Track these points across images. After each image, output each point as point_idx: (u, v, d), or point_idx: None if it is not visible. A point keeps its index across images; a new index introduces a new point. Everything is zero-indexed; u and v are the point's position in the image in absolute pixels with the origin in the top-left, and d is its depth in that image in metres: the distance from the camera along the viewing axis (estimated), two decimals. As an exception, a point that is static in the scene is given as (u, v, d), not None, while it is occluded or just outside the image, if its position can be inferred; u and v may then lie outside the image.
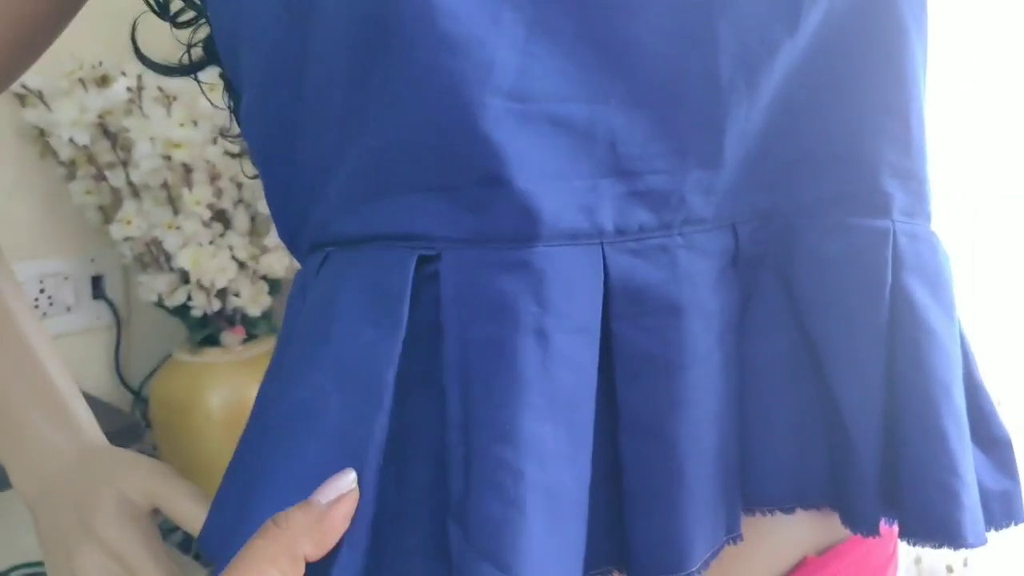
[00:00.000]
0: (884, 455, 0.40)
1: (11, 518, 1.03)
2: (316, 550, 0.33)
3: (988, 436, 0.45)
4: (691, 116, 0.36)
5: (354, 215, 0.37)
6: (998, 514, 0.43)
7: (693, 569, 0.38)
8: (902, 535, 0.41)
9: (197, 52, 0.51)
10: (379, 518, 0.35)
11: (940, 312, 0.41)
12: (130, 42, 0.51)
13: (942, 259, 0.43)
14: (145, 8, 0.50)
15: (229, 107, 0.53)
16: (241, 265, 1.12)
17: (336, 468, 0.34)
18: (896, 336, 0.40)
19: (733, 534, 0.41)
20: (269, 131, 0.39)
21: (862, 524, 0.42)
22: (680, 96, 0.36)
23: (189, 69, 0.51)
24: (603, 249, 0.36)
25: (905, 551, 1.18)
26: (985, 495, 0.42)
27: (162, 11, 0.49)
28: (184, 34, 0.51)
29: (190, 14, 0.50)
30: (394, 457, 0.35)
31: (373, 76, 0.34)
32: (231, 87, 0.49)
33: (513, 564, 0.33)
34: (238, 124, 0.53)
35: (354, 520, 0.34)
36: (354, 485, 0.34)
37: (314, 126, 0.37)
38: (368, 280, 0.36)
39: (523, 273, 0.34)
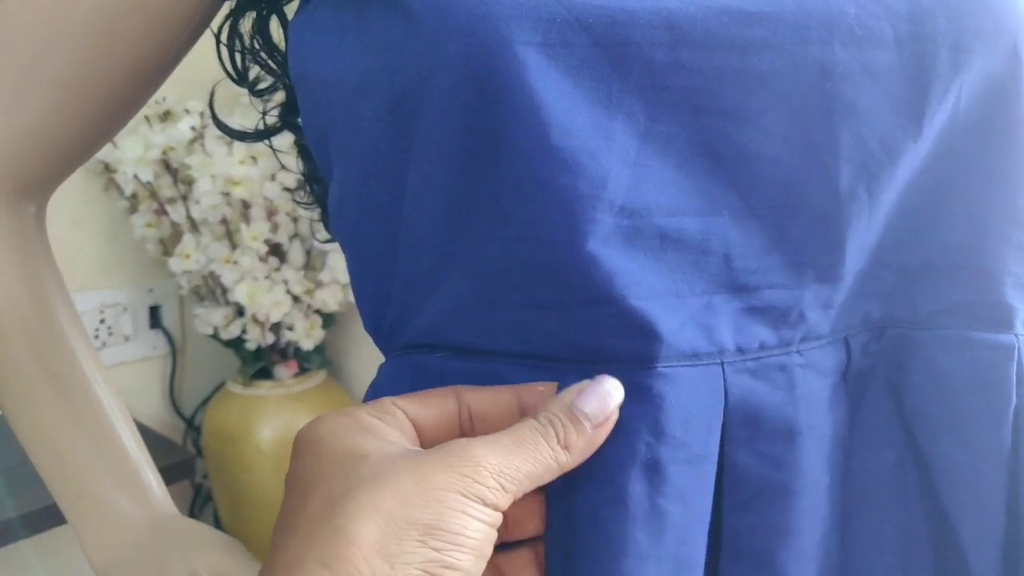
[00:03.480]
0: None
1: (65, 553, 1.05)
2: (572, 457, 0.31)
3: None
4: (809, 227, 0.35)
5: (470, 326, 0.36)
6: None
7: None
8: None
9: (271, 117, 0.51)
10: None
11: None
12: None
13: None
14: (223, 73, 0.50)
15: (302, 173, 0.54)
16: (295, 299, 1.14)
17: None
18: (1020, 459, 0.37)
19: None
20: (364, 226, 0.38)
21: None
22: (798, 206, 0.34)
23: (264, 135, 0.51)
24: (723, 369, 0.34)
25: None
26: None
27: (241, 79, 0.50)
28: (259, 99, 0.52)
29: (267, 81, 0.50)
30: None
31: (480, 187, 0.33)
32: (308, 159, 0.49)
33: None
34: (320, 208, 0.53)
35: None
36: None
37: (417, 229, 0.36)
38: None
39: (641, 398, 0.33)
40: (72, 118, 0.46)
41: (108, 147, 1.05)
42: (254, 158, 1.06)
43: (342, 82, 0.36)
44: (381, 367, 0.40)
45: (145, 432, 1.11)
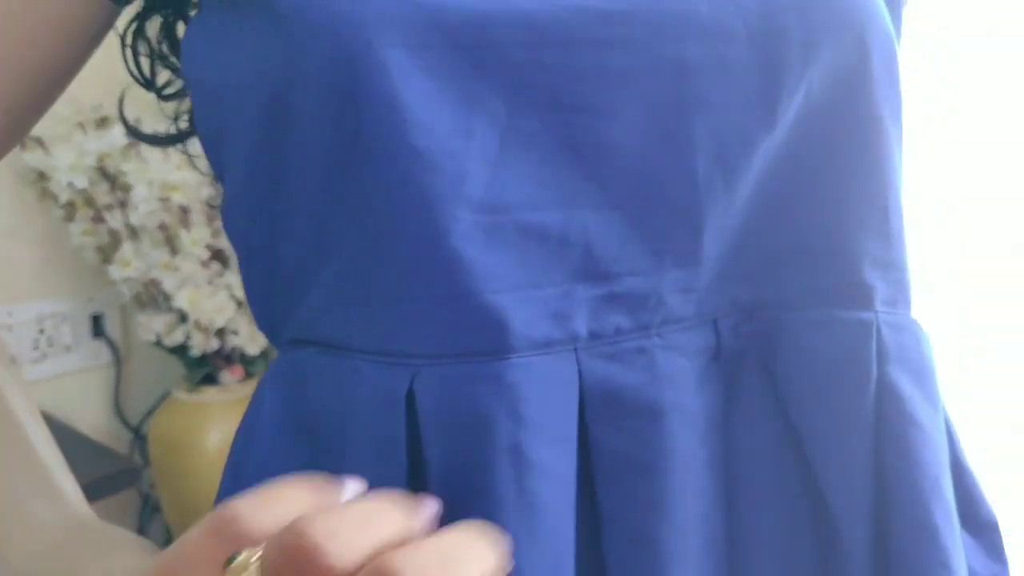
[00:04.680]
0: (875, 550, 0.40)
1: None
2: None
3: (977, 520, 0.44)
4: (668, 216, 0.36)
5: (337, 321, 0.37)
6: None
7: None
8: None
9: (185, 121, 0.51)
10: None
11: (926, 403, 0.40)
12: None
13: (925, 348, 0.42)
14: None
15: (215, 178, 0.54)
16: (239, 304, 1.13)
17: None
18: (883, 430, 0.39)
19: None
20: (250, 226, 0.39)
21: None
22: (657, 196, 0.36)
23: (177, 139, 0.51)
24: (577, 355, 0.36)
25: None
26: None
27: (148, 84, 0.49)
28: (171, 104, 0.52)
29: (177, 84, 0.50)
30: None
31: (346, 186, 0.34)
32: (216, 172, 0.50)
33: None
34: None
35: None
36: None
37: (294, 227, 0.37)
38: (364, 415, 0.36)
39: (497, 387, 0.34)
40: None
41: (41, 155, 1.03)
42: (193, 165, 1.05)
43: (227, 86, 0.37)
44: (270, 364, 0.41)
45: (88, 443, 1.10)
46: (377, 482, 0.35)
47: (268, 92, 0.35)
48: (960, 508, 0.42)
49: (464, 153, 0.33)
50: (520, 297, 0.35)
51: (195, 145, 0.54)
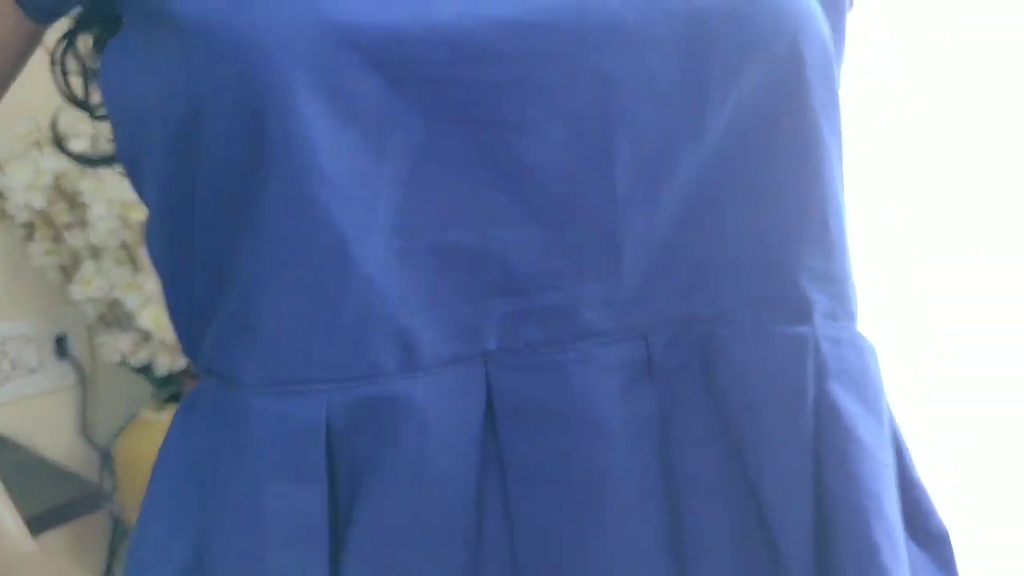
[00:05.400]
0: (817, 568, 0.39)
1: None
2: None
3: (927, 532, 0.43)
4: (586, 230, 0.36)
5: (227, 354, 0.36)
6: None
7: None
8: None
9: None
10: None
11: (868, 418, 0.40)
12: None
13: (869, 360, 0.41)
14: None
15: None
16: (205, 321, 1.11)
17: None
18: (823, 447, 0.39)
19: None
20: (168, 252, 0.39)
21: None
22: (575, 211, 0.35)
23: (111, 159, 0.50)
24: (486, 368, 0.36)
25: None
26: None
27: (79, 103, 0.48)
28: (106, 125, 0.50)
29: None
30: None
31: (252, 212, 0.33)
32: (138, 194, 0.49)
33: None
34: None
35: None
36: None
37: (205, 256, 0.36)
38: (277, 447, 0.35)
39: (404, 404, 0.34)
40: None
41: (-3, 174, 1.02)
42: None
43: (139, 109, 0.36)
44: (191, 391, 0.41)
45: (55, 468, 1.08)
46: (299, 500, 0.35)
47: (175, 117, 0.34)
48: (909, 520, 0.41)
49: (376, 176, 0.32)
50: (431, 317, 0.35)
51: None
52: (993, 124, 0.97)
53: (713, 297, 0.39)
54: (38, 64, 0.48)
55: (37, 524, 0.52)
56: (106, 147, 0.50)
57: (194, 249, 0.37)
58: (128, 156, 0.39)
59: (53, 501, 0.96)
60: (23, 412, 1.15)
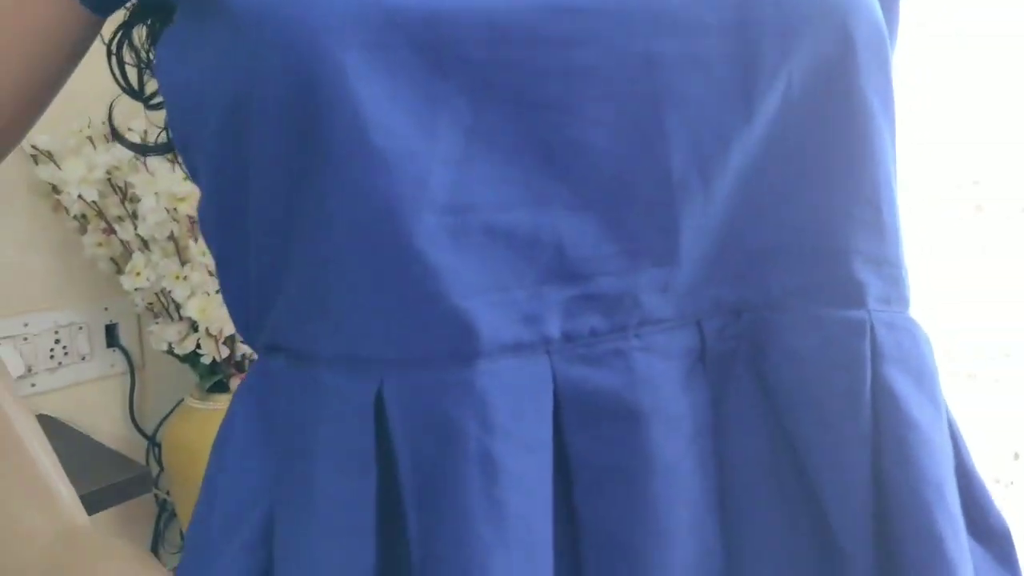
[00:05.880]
0: (878, 561, 0.38)
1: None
2: None
3: (986, 528, 0.42)
4: (643, 215, 0.35)
5: (300, 329, 0.36)
6: None
7: None
8: None
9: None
10: None
11: (926, 404, 0.38)
12: (136, 102, 0.52)
13: (924, 346, 0.40)
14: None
15: None
16: (248, 312, 1.14)
17: None
18: (881, 434, 0.37)
19: None
20: (222, 235, 0.39)
21: None
22: (630, 195, 0.35)
23: (164, 148, 0.52)
24: (550, 359, 0.35)
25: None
26: None
27: (135, 93, 0.50)
28: (161, 114, 0.53)
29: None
30: None
31: (306, 190, 0.34)
32: (191, 178, 0.50)
33: None
34: None
35: None
36: None
37: (261, 237, 0.37)
38: (334, 429, 0.35)
39: (465, 394, 0.33)
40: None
41: (52, 168, 1.06)
42: (200, 174, 1.07)
43: (192, 95, 0.37)
44: (250, 368, 0.41)
45: (104, 450, 1.12)
46: (348, 494, 0.35)
47: (228, 102, 0.35)
48: (968, 516, 0.40)
49: (427, 154, 0.32)
50: (488, 300, 0.34)
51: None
52: (1000, 121, 0.96)
53: (765, 283, 0.38)
54: (90, 62, 0.50)
55: (88, 504, 0.54)
56: (158, 138, 0.53)
57: (249, 230, 0.37)
58: (182, 141, 0.40)
59: (103, 482, 0.99)
60: (75, 398, 1.19)
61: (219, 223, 0.39)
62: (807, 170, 0.38)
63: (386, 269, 0.33)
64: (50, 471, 0.52)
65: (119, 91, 0.52)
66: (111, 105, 0.54)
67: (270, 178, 0.35)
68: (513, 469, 0.33)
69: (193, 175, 0.41)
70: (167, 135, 0.52)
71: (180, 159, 0.43)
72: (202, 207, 0.41)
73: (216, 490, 0.40)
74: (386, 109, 0.32)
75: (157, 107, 0.51)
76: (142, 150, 0.53)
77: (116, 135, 0.53)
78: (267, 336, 0.39)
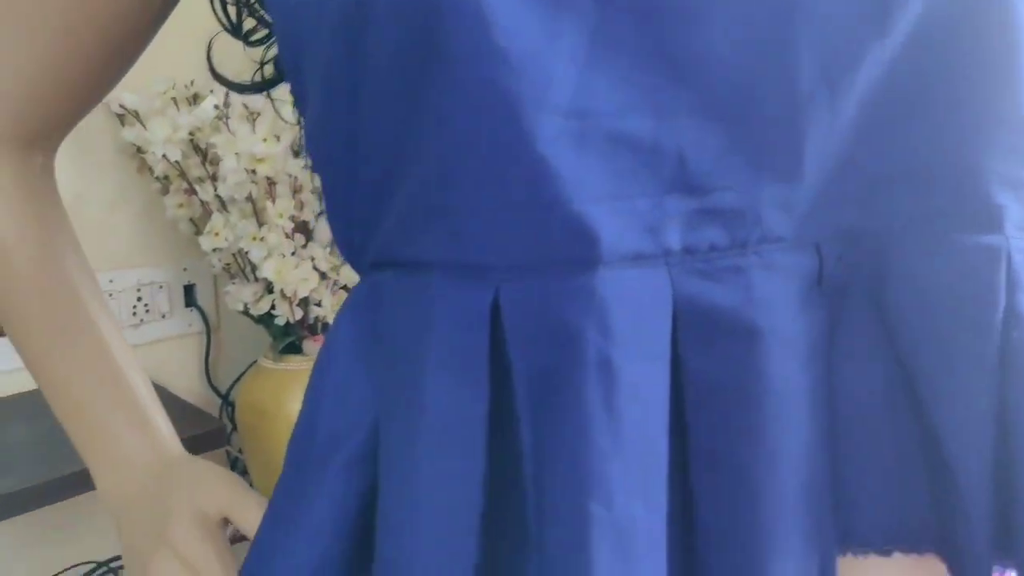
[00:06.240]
0: (997, 497, 0.36)
1: (74, 521, 1.09)
2: None
3: None
4: (768, 128, 0.34)
5: (414, 239, 0.36)
6: None
7: None
8: None
9: (270, 69, 0.53)
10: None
11: None
12: (219, 61, 0.53)
13: None
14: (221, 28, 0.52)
15: (299, 123, 0.55)
16: (322, 275, 1.16)
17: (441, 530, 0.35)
18: (1010, 368, 0.35)
19: None
20: (330, 147, 0.39)
21: (969, 572, 0.37)
22: (756, 107, 0.33)
23: (262, 87, 0.53)
24: (669, 270, 0.34)
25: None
26: None
27: (235, 31, 0.51)
28: (257, 52, 0.53)
29: (262, 32, 0.51)
30: (494, 502, 0.35)
31: (426, 93, 0.33)
32: (298, 103, 0.51)
33: None
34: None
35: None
36: None
37: (372, 143, 0.36)
38: (446, 336, 0.35)
39: (585, 300, 0.33)
40: (69, 66, 0.48)
41: (139, 129, 1.09)
42: (277, 137, 1.08)
43: (305, 4, 0.36)
44: (353, 288, 0.41)
45: (181, 403, 1.15)
46: (456, 401, 0.34)
47: (343, 4, 0.34)
48: None
49: (551, 55, 0.31)
50: (610, 207, 0.33)
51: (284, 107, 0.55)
52: None
53: (889, 208, 0.36)
54: (174, 25, 0.52)
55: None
56: (254, 76, 0.54)
57: (359, 142, 0.36)
58: (293, 62, 0.39)
59: (181, 433, 1.03)
60: (154, 354, 1.23)
61: (328, 142, 0.39)
62: (945, 88, 0.35)
63: (506, 172, 0.33)
64: (148, 402, 0.53)
65: (206, 45, 0.53)
66: (209, 44, 0.55)
67: (388, 79, 0.34)
68: (632, 379, 0.33)
69: (301, 100, 0.41)
70: (262, 75, 0.53)
71: (288, 86, 0.42)
72: (309, 131, 0.40)
73: (319, 407, 0.39)
74: (510, 8, 0.31)
75: (255, 44, 0.52)
76: (239, 88, 0.54)
77: (215, 74, 0.54)
78: (374, 253, 0.39)
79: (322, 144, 0.39)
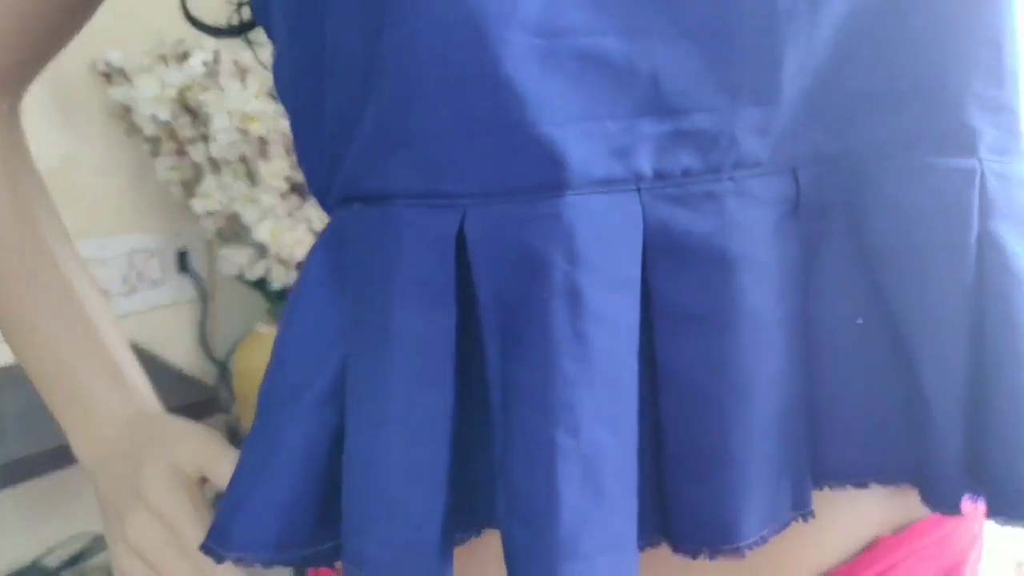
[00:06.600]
0: (969, 424, 0.36)
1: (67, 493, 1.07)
2: None
3: None
4: (744, 48, 0.33)
5: (378, 169, 0.35)
6: None
7: (744, 543, 0.35)
8: (990, 513, 0.37)
9: (247, 12, 0.50)
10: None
11: None
12: (206, 19, 0.51)
13: None
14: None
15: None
16: (318, 238, 1.14)
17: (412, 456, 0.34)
18: (984, 291, 0.36)
19: (802, 510, 0.37)
20: (297, 82, 0.38)
21: (942, 501, 0.37)
22: (732, 26, 0.33)
23: (238, 30, 0.51)
24: (640, 196, 0.33)
25: (1010, 554, 1.11)
26: None
27: None
28: None
29: None
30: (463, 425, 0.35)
31: (388, 17, 0.32)
32: (269, 36, 0.49)
33: (544, 526, 0.32)
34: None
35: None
36: None
37: (338, 74, 0.35)
38: (412, 264, 0.34)
39: (552, 226, 0.32)
40: (34, 9, 0.46)
41: (127, 87, 1.05)
42: (271, 95, 1.05)
43: None
44: (324, 227, 0.40)
45: (176, 372, 1.13)
46: (424, 329, 0.34)
47: None
48: None
49: None
50: (578, 130, 0.32)
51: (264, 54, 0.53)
52: None
53: (867, 129, 0.36)
54: None
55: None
56: (230, 20, 0.51)
57: (324, 73, 0.36)
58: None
59: (176, 403, 1.01)
60: (148, 322, 1.21)
61: (294, 72, 0.38)
62: (924, 7, 0.35)
63: (471, 94, 0.31)
64: (123, 358, 0.52)
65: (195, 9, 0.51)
66: None
67: (350, 8, 0.33)
68: (600, 306, 0.32)
69: (270, 32, 0.40)
70: (240, 17, 0.50)
71: (258, 21, 0.41)
72: (277, 63, 0.39)
73: (288, 347, 0.38)
74: None
75: None
76: (215, 32, 0.51)
77: (189, 18, 0.51)
78: (340, 188, 0.38)
79: (289, 73, 0.38)
